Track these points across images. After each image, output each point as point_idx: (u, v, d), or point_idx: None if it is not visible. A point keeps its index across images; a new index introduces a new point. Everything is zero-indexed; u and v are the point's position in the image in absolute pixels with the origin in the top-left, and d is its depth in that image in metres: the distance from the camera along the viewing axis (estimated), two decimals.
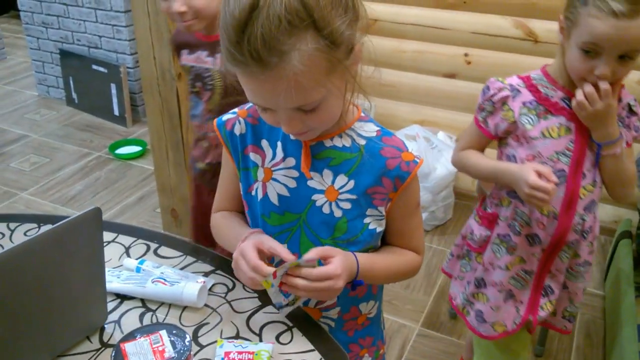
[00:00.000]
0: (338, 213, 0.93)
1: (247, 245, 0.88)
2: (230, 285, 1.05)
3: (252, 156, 0.97)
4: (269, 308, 0.99)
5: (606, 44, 1.10)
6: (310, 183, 0.93)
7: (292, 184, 0.94)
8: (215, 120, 1.01)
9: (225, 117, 1.00)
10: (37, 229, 1.18)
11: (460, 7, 2.49)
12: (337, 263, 0.86)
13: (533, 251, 1.33)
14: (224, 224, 1.05)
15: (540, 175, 1.17)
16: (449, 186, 2.63)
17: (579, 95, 1.18)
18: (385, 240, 1.02)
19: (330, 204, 0.93)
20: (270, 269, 0.85)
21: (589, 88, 1.16)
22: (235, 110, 1.00)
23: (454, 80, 2.64)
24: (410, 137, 2.61)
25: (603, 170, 1.27)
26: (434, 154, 2.56)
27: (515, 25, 2.42)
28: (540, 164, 1.22)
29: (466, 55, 2.57)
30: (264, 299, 1.01)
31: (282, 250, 0.88)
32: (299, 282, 0.85)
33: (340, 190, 0.93)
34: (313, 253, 0.86)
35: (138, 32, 2.19)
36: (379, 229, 0.97)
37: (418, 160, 0.94)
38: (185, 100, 2.11)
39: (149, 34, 2.14)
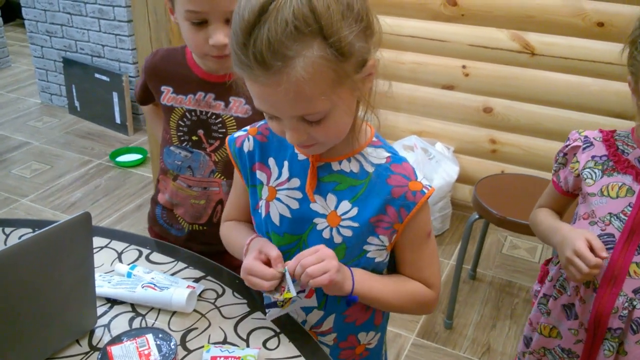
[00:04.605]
0: (338, 239, 0.91)
1: (250, 262, 0.89)
2: (220, 291, 1.06)
3: (259, 174, 0.97)
4: (258, 314, 1.01)
5: None
6: (312, 206, 0.92)
7: (295, 205, 0.93)
8: (228, 137, 1.01)
9: (237, 134, 1.00)
10: (32, 233, 1.19)
11: (458, 19, 2.51)
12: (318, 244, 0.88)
13: (570, 326, 1.16)
14: (231, 234, 1.06)
15: (591, 246, 1.04)
16: (446, 197, 2.64)
17: None
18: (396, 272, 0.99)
19: (331, 230, 0.91)
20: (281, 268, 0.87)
21: None
22: (247, 127, 1.00)
23: (451, 92, 2.66)
24: (407, 148, 2.63)
25: None
26: (432, 165, 2.58)
27: (512, 38, 2.44)
28: (594, 236, 1.06)
29: (464, 67, 2.59)
30: (253, 305, 1.03)
31: (273, 253, 0.89)
32: (298, 269, 0.85)
33: (343, 217, 0.90)
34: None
35: (139, 43, 2.22)
36: (378, 259, 0.94)
37: (426, 191, 0.89)
38: None
39: (149, 44, 2.19)
